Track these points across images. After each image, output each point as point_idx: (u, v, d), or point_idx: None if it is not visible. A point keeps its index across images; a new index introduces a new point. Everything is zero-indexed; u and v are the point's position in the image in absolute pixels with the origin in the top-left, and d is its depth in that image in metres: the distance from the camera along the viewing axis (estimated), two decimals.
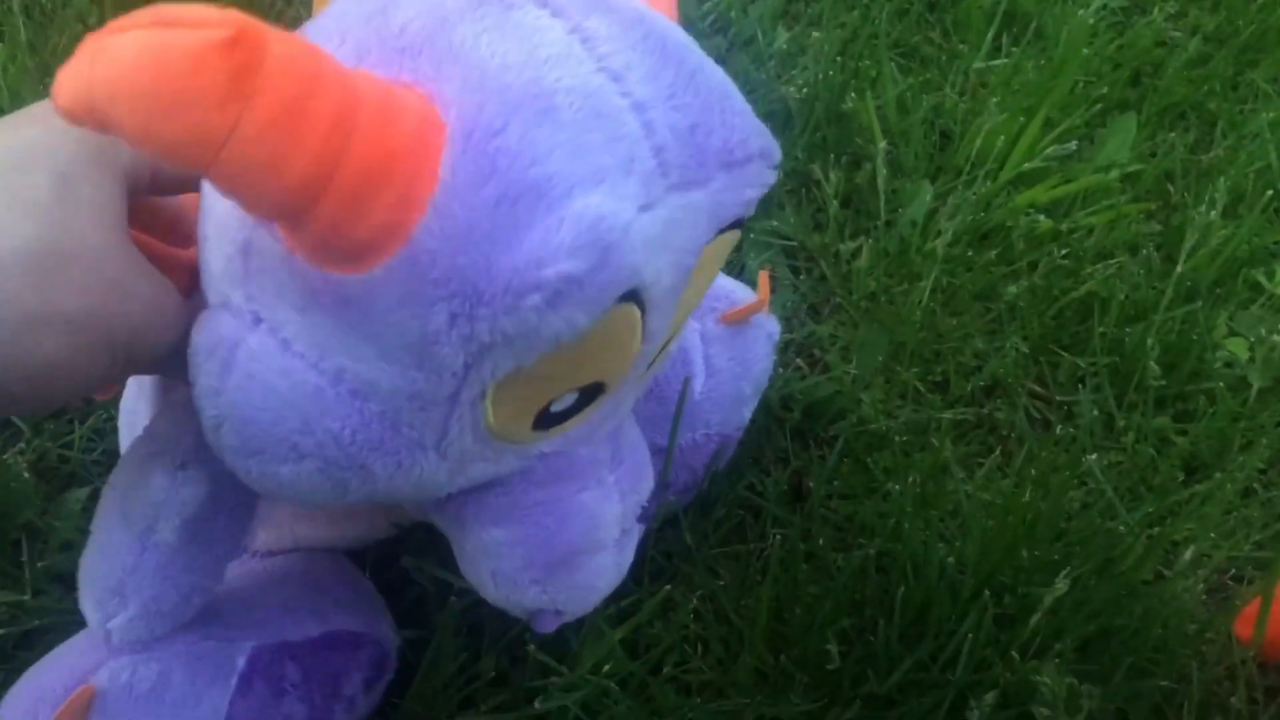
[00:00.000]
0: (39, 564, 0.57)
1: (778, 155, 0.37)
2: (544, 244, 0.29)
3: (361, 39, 0.32)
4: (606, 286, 0.30)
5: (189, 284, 0.37)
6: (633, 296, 0.32)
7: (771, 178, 0.37)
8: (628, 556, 0.45)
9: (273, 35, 0.25)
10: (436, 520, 0.43)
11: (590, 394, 0.37)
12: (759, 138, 0.36)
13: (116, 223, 0.33)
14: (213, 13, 0.25)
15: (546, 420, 0.37)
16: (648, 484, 0.45)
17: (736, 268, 0.79)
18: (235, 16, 0.25)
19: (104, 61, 0.24)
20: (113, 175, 0.33)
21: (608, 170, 0.31)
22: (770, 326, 0.63)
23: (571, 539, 0.41)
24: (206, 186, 0.34)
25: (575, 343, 0.32)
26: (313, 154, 0.26)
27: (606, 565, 0.43)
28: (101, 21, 0.56)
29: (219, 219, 0.33)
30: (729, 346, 0.61)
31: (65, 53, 0.52)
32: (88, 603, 0.42)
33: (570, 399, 0.36)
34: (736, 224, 0.37)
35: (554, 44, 0.31)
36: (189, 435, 0.41)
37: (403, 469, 0.35)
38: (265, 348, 0.32)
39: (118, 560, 0.41)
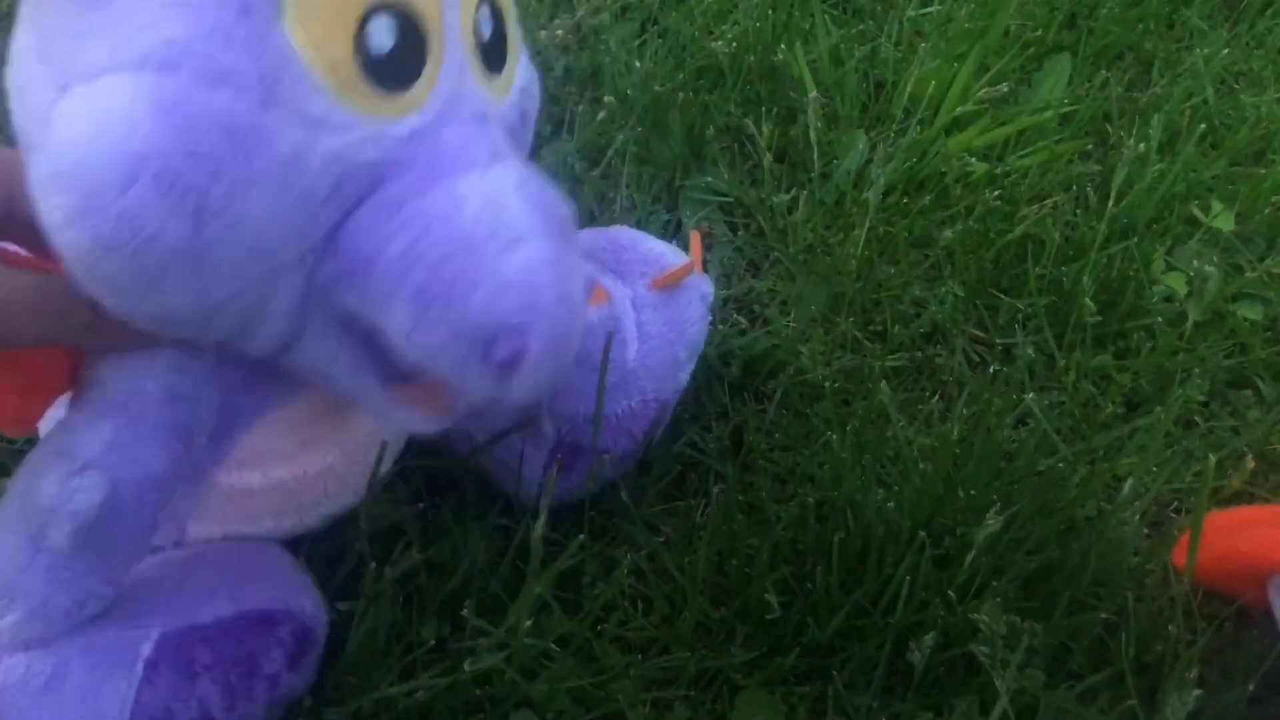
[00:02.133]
0: None
1: None
2: None
3: None
4: None
5: None
6: None
7: None
8: (569, 264, 0.39)
9: None
10: (341, 291, 0.39)
11: (410, 36, 0.37)
12: None
13: None
14: None
15: (375, 69, 0.36)
16: (561, 204, 0.41)
17: (672, 227, 0.79)
18: None
19: None
20: None
21: None
22: (704, 288, 0.62)
23: (473, 221, 0.37)
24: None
25: None
26: None
27: (537, 260, 0.37)
28: None
29: (21, 54, 0.35)
30: (661, 311, 0.60)
31: None
32: None
33: (388, 30, 0.36)
34: None
35: None
36: (94, 437, 0.41)
37: (247, 145, 0.34)
38: (74, 95, 0.33)
39: (8, 561, 0.40)
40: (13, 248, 0.41)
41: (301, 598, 0.51)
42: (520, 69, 0.46)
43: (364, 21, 0.36)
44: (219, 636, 0.46)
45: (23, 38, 0.35)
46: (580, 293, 0.40)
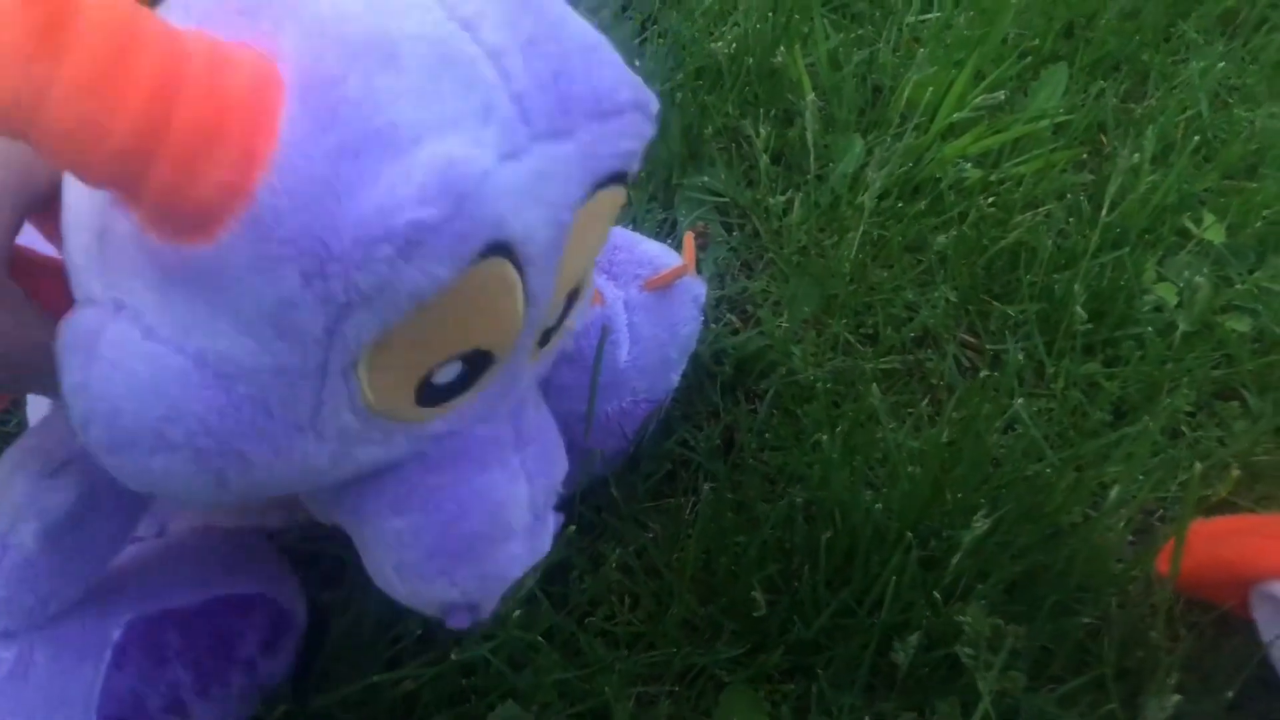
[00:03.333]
0: None
1: (654, 106, 0.36)
2: (391, 192, 0.28)
3: (203, 6, 0.31)
4: (464, 236, 0.29)
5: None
6: (502, 251, 0.31)
7: (648, 130, 0.36)
8: (541, 546, 0.43)
9: None
10: (336, 517, 0.41)
11: (477, 365, 0.36)
12: (630, 88, 0.34)
13: None
14: None
15: (431, 394, 0.36)
16: (561, 468, 0.44)
17: (668, 226, 0.79)
18: None
19: None
20: None
21: (461, 117, 0.30)
22: (696, 289, 0.63)
23: (476, 525, 0.39)
24: (66, 179, 0.33)
25: (441, 300, 0.31)
26: (137, 114, 0.25)
27: (517, 554, 0.41)
28: None
29: (75, 208, 0.32)
30: (653, 312, 0.60)
31: None
32: None
33: (455, 370, 0.35)
34: (618, 179, 0.36)
35: None
36: (72, 438, 0.41)
37: (281, 455, 0.34)
38: (127, 335, 0.31)
39: None
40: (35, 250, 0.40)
41: (276, 582, 0.51)
42: (579, 310, 0.44)
43: (434, 370, 0.35)
44: (190, 621, 0.46)
45: (79, 216, 0.33)
46: (547, 546, 0.43)
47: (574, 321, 0.43)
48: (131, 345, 0.31)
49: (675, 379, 0.62)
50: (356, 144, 0.28)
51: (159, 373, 0.31)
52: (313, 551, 0.56)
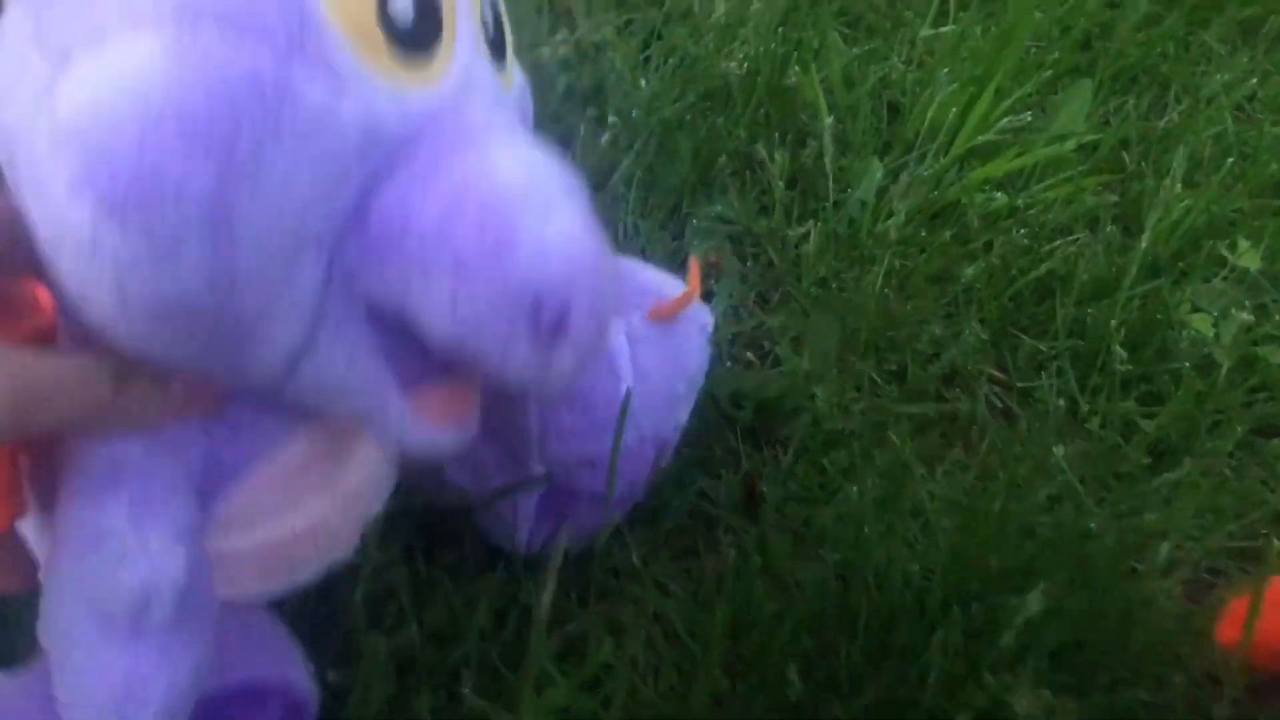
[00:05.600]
0: None
1: None
2: None
3: None
4: None
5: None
6: None
7: None
8: (596, 235, 0.38)
9: None
10: (371, 270, 0.37)
11: (427, 8, 0.35)
12: None
13: None
14: None
15: (397, 34, 0.35)
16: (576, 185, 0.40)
17: (679, 256, 0.75)
18: None
19: None
20: None
21: None
22: (702, 318, 0.59)
23: (508, 179, 0.36)
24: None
25: None
26: None
27: (570, 228, 0.37)
28: None
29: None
30: (658, 345, 0.56)
31: None
32: None
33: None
34: None
35: None
36: (117, 506, 0.38)
37: (272, 103, 0.31)
38: (78, 62, 0.30)
39: (115, 666, 0.37)
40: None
41: (292, 669, 0.47)
42: (516, 69, 0.45)
43: None
44: (203, 712, 0.43)
45: (13, 28, 0.32)
46: (611, 264, 0.39)
47: (520, 76, 0.43)
48: (88, 62, 0.30)
49: (683, 416, 0.58)
50: None
51: (121, 56, 0.30)
52: (316, 621, 0.52)
